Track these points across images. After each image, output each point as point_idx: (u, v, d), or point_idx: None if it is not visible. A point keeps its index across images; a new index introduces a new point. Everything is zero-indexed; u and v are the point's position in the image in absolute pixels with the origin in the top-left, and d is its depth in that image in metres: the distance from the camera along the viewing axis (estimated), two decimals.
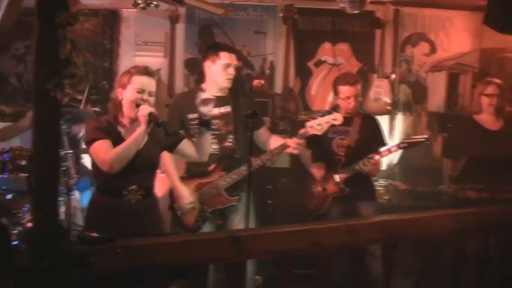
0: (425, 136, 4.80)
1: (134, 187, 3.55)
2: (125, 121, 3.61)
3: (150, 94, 3.55)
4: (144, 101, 3.50)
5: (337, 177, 4.86)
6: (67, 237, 2.40)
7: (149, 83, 3.56)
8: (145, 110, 3.45)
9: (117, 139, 3.52)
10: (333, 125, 4.45)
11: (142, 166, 3.57)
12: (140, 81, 3.52)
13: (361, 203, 4.90)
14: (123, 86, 3.56)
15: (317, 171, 4.94)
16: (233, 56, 4.43)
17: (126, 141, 3.47)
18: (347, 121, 4.88)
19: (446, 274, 3.39)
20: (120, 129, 3.61)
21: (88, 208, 3.75)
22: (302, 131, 4.33)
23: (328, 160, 4.95)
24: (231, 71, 4.39)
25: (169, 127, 3.75)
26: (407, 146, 4.78)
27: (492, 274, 3.61)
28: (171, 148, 3.87)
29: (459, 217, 3.38)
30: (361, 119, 4.99)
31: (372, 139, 4.97)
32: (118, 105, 3.61)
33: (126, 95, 3.55)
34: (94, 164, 3.59)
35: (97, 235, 2.42)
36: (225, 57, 4.36)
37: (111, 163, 3.42)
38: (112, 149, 3.45)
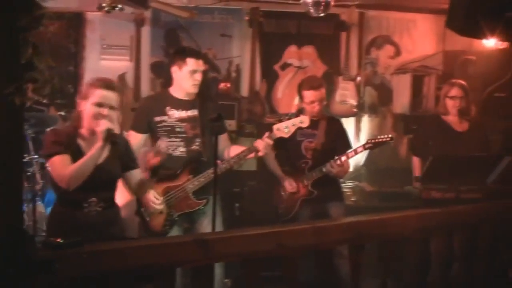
0: (390, 136, 4.79)
1: (93, 199, 3.51)
2: (85, 132, 3.53)
3: (110, 108, 3.46)
4: (104, 116, 3.43)
5: (305, 180, 4.88)
6: (31, 244, 2.37)
7: (110, 97, 3.47)
8: (104, 125, 3.38)
9: (77, 153, 3.45)
10: (300, 128, 4.47)
11: (102, 180, 3.52)
12: (100, 94, 3.44)
13: (330, 205, 4.92)
14: (85, 98, 3.48)
15: (289, 186, 4.90)
16: (200, 62, 4.40)
17: (83, 158, 3.39)
18: (314, 124, 4.90)
19: (412, 272, 3.44)
20: (80, 141, 3.52)
21: (49, 219, 3.71)
22: (267, 134, 4.34)
23: (296, 163, 4.96)
24: (198, 77, 4.37)
25: (129, 152, 3.76)
26: (372, 146, 4.80)
27: (456, 271, 3.67)
28: (125, 169, 3.80)
29: (424, 217, 3.44)
30: (326, 121, 5.02)
31: (338, 141, 4.99)
32: (79, 116, 3.53)
33: (86, 107, 3.47)
34: (52, 177, 3.52)
35: (62, 240, 2.39)
36: (191, 64, 4.33)
37: (69, 180, 3.36)
38: (69, 165, 3.38)
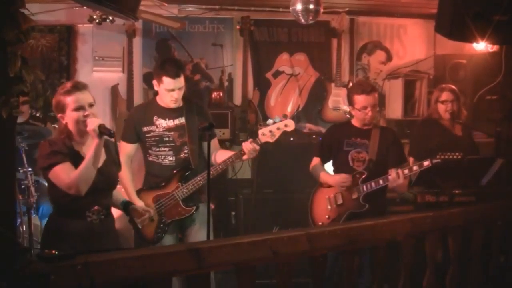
0: (461, 153, 4.44)
1: (96, 207, 3.51)
2: (77, 138, 3.53)
3: (90, 105, 3.47)
4: (87, 115, 3.43)
5: (355, 193, 4.61)
6: (25, 256, 2.37)
7: (84, 97, 3.46)
8: (93, 124, 3.38)
9: (77, 158, 3.45)
10: (285, 132, 4.31)
11: (103, 185, 3.53)
12: (74, 99, 3.43)
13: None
14: (62, 111, 3.47)
15: (342, 180, 4.58)
16: (178, 80, 4.29)
17: (84, 160, 3.40)
18: (364, 133, 4.68)
19: (407, 275, 3.44)
20: (77, 147, 3.53)
21: (45, 231, 3.66)
22: (251, 140, 4.31)
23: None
24: (175, 94, 4.32)
25: (118, 155, 3.82)
26: (440, 162, 4.41)
27: (450, 274, 3.68)
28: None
29: (416, 222, 3.45)
30: (379, 131, 4.73)
31: (393, 151, 4.70)
32: (64, 130, 3.51)
33: (68, 118, 3.46)
34: (52, 188, 3.49)
35: (57, 253, 2.39)
36: (167, 83, 4.28)
37: (77, 185, 3.35)
38: (73, 171, 3.38)
